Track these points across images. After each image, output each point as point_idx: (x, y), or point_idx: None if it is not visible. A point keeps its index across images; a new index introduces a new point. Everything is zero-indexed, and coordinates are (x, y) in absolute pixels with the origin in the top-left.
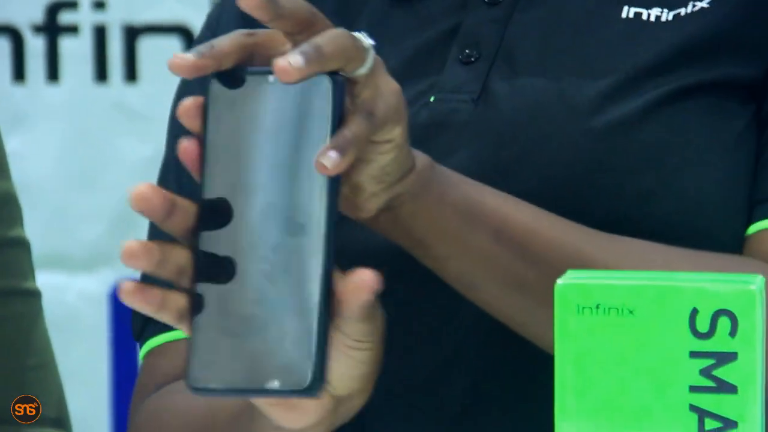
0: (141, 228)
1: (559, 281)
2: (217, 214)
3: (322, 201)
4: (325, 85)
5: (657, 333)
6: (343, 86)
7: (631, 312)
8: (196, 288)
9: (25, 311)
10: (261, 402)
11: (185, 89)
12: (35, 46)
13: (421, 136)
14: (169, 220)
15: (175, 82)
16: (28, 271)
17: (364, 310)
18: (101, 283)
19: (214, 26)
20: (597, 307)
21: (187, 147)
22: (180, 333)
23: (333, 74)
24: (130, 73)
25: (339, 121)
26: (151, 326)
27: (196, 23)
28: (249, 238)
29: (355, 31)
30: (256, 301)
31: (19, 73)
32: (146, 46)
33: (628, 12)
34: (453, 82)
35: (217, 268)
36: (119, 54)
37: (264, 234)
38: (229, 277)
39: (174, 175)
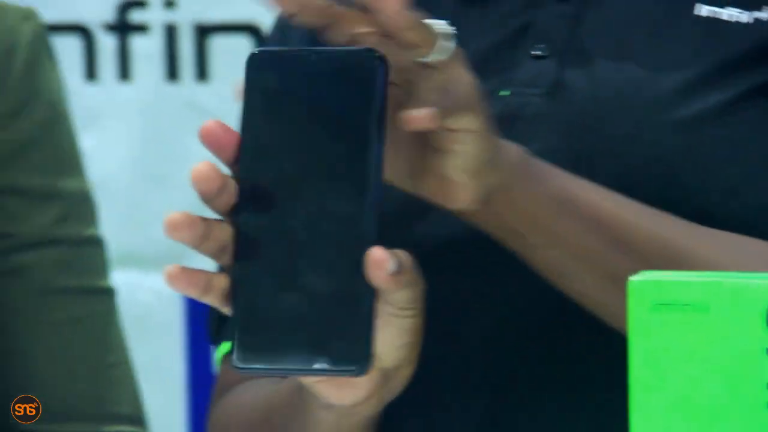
0: None
1: (633, 278)
2: (256, 192)
3: (366, 177)
4: (370, 64)
5: (732, 330)
6: (387, 66)
7: (705, 309)
8: (238, 266)
9: (101, 309)
10: (309, 381)
11: None
12: (106, 45)
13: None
14: (218, 199)
15: None
16: (103, 270)
17: (390, 284)
18: None
19: (285, 24)
20: (671, 303)
21: (210, 128)
22: None
23: (376, 54)
24: (201, 72)
25: (384, 100)
26: (226, 328)
27: (266, 22)
28: (290, 216)
29: None
30: (300, 280)
31: (90, 71)
32: (217, 44)
33: (701, 10)
34: (525, 76)
35: (256, 245)
36: (190, 53)
37: (306, 212)
38: (270, 254)
39: None
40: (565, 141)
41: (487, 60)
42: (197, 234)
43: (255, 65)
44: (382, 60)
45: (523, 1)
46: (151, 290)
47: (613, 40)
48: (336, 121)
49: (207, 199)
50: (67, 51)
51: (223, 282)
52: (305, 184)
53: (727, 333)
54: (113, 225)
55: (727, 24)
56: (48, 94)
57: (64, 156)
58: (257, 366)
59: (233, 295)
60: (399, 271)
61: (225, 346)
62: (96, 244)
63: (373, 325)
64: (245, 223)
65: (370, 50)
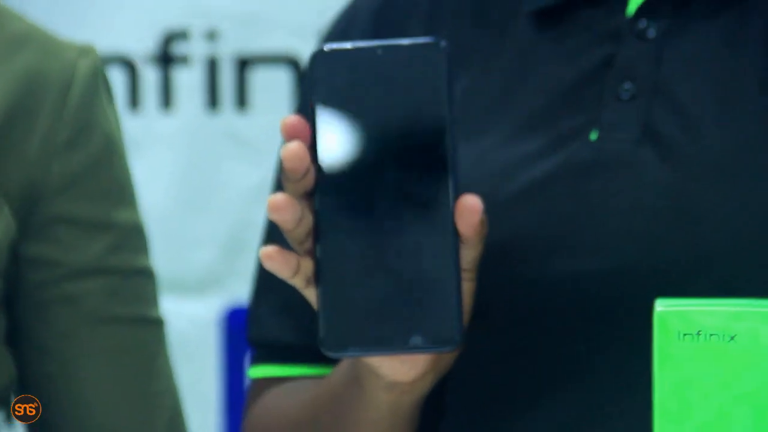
0: (251, 253)
1: (659, 308)
2: (335, 180)
3: (445, 162)
4: (436, 53)
5: (759, 359)
6: (451, 55)
7: (732, 338)
8: (322, 252)
9: (149, 339)
10: (374, 362)
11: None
12: (149, 77)
13: (583, 176)
14: (301, 181)
15: (284, 111)
16: (153, 300)
17: (477, 233)
18: (211, 309)
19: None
20: (698, 333)
21: (293, 122)
22: (285, 370)
23: (440, 43)
24: (241, 103)
25: (452, 87)
26: (263, 353)
27: (306, 54)
28: (372, 201)
29: (502, 61)
30: (386, 262)
31: (132, 102)
32: (257, 76)
33: None
34: (613, 120)
35: (340, 231)
36: (231, 84)
37: (387, 197)
38: (354, 239)
39: None
40: (668, 200)
41: (570, 95)
42: (296, 217)
43: (321, 62)
44: (447, 48)
45: (600, 31)
46: (188, 317)
47: (705, 86)
48: (410, 110)
49: (293, 179)
50: (110, 82)
51: (308, 266)
52: (385, 171)
53: (754, 362)
54: (152, 252)
55: None
56: (103, 127)
57: (117, 188)
58: (350, 350)
59: (318, 279)
60: (481, 221)
61: (258, 370)
62: (147, 275)
63: (462, 300)
64: (326, 210)
65: (435, 40)
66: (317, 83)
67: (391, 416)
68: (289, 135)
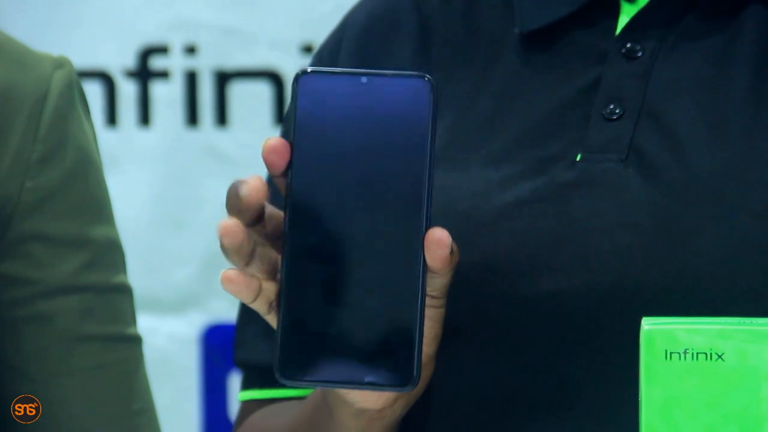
0: None
1: (646, 327)
2: (308, 208)
3: (419, 199)
4: (422, 88)
5: (747, 378)
6: (438, 92)
7: (720, 357)
8: (286, 279)
9: (126, 357)
10: (342, 389)
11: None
12: (127, 91)
13: (567, 195)
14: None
15: (264, 126)
16: (131, 318)
17: (446, 264)
18: (191, 326)
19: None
20: (684, 352)
21: (275, 144)
22: (276, 392)
23: (426, 78)
24: (221, 118)
25: (435, 124)
26: (253, 377)
27: (286, 69)
28: (342, 233)
29: (492, 83)
30: (349, 295)
31: (111, 117)
32: (236, 91)
33: None
34: (599, 141)
35: (307, 260)
36: (210, 99)
37: (358, 230)
38: (320, 269)
39: None
40: (647, 220)
41: (557, 117)
42: (249, 242)
43: (303, 83)
44: (434, 84)
45: (589, 52)
46: (168, 335)
47: (691, 106)
48: (390, 144)
49: (243, 208)
50: (88, 97)
51: (272, 291)
52: (358, 203)
53: (742, 381)
54: (131, 269)
55: None
56: (79, 141)
57: (93, 204)
58: (305, 380)
59: (280, 305)
60: (451, 251)
61: (246, 394)
62: (123, 291)
63: (422, 340)
64: (295, 234)
65: (422, 75)
66: (298, 105)
67: None
68: (269, 157)
